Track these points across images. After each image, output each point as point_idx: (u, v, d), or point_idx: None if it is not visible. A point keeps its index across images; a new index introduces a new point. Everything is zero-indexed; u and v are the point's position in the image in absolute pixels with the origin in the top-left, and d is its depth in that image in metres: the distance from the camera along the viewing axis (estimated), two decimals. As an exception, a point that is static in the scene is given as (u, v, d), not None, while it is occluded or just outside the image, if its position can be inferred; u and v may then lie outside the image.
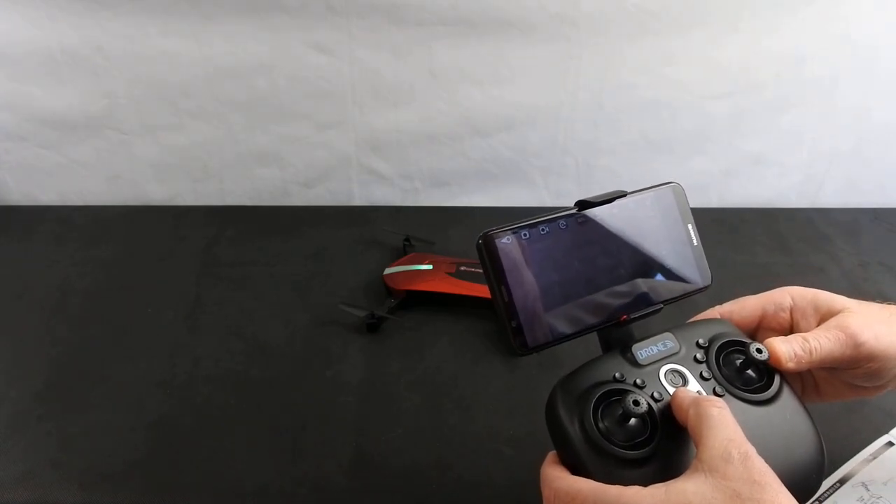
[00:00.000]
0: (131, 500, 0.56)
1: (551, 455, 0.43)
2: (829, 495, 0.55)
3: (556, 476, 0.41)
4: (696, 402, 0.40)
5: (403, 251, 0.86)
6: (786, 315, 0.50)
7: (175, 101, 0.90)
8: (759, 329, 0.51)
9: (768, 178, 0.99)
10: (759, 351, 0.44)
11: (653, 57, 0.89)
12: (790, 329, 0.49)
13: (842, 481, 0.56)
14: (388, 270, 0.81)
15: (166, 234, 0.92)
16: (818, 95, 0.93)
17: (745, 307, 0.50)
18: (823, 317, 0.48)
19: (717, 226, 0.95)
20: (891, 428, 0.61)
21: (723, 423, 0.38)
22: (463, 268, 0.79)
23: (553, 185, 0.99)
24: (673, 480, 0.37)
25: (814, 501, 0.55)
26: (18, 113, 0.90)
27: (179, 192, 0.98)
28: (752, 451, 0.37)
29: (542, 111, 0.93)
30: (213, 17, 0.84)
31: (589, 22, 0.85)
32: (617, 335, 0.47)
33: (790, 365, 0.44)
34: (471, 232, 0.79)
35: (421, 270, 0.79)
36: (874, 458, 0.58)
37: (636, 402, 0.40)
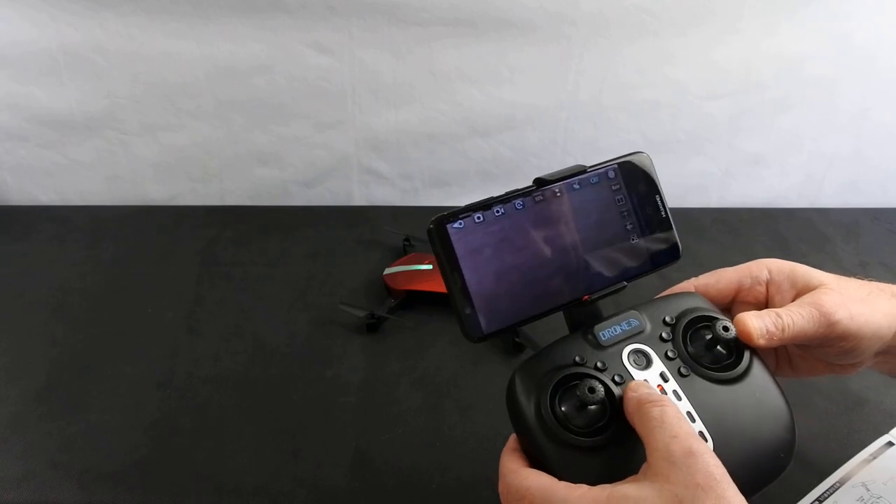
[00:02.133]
0: (131, 500, 0.56)
1: (512, 439, 0.42)
2: (829, 495, 0.55)
3: (510, 469, 0.40)
4: (639, 404, 0.39)
5: (403, 251, 0.86)
6: (762, 289, 0.48)
7: (175, 101, 0.90)
8: (735, 302, 0.49)
9: (768, 178, 1.00)
10: (725, 329, 0.43)
11: (653, 57, 0.89)
12: (766, 303, 0.48)
13: (842, 481, 0.56)
14: (388, 270, 0.81)
15: (166, 234, 0.92)
16: (818, 96, 0.93)
17: (721, 280, 0.49)
18: (800, 292, 0.46)
19: (717, 226, 0.95)
20: (891, 428, 0.61)
21: (665, 422, 0.37)
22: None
23: (553, 186, 0.99)
24: (618, 484, 0.37)
25: (814, 501, 0.55)
26: (18, 113, 0.90)
27: (179, 192, 0.98)
28: (697, 446, 0.36)
29: (542, 111, 0.93)
30: (213, 17, 0.84)
31: (589, 22, 0.85)
32: (582, 315, 0.45)
33: (761, 342, 0.43)
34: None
35: (421, 270, 0.79)
36: (874, 458, 0.58)
37: (591, 389, 0.39)
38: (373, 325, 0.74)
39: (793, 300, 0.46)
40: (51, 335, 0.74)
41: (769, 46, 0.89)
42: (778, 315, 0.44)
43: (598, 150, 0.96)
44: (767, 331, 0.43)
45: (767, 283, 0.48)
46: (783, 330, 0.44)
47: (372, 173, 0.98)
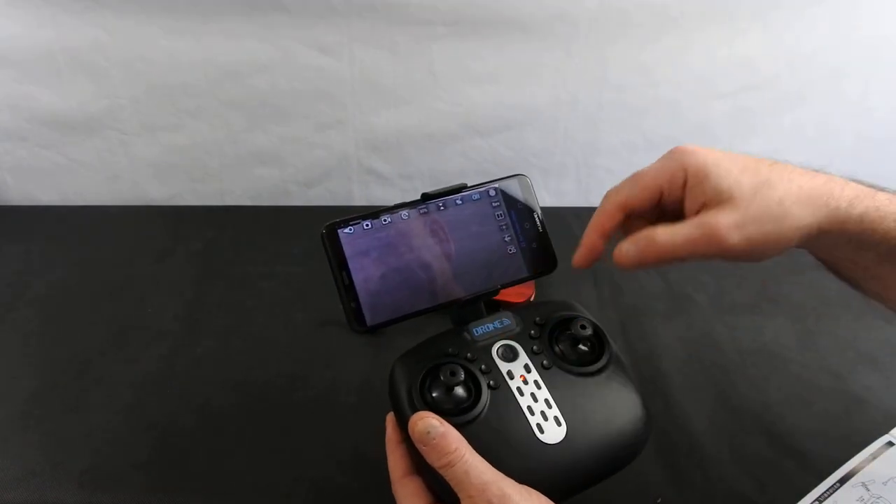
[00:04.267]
0: (131, 500, 0.56)
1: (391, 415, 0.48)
2: (829, 495, 0.55)
3: (391, 439, 0.46)
4: (422, 444, 0.42)
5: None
6: (680, 194, 0.45)
7: (175, 101, 0.90)
8: (660, 208, 0.47)
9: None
10: (583, 327, 0.48)
11: (653, 57, 0.89)
12: (682, 209, 0.45)
13: (842, 481, 0.56)
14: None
15: (166, 234, 0.92)
16: (819, 95, 0.93)
17: (644, 188, 0.46)
18: (707, 203, 0.43)
19: (717, 226, 0.95)
20: (891, 428, 0.61)
21: (462, 465, 0.40)
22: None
23: (553, 185, 0.99)
24: None
25: (814, 501, 0.55)
26: (18, 113, 0.90)
27: (179, 192, 0.98)
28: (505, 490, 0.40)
29: (542, 111, 0.93)
30: (214, 17, 0.84)
31: (589, 22, 0.85)
32: (466, 314, 0.50)
33: (628, 265, 0.43)
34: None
35: None
36: (874, 458, 0.58)
37: (452, 373, 0.44)
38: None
39: (698, 212, 0.43)
40: (51, 335, 0.74)
41: (770, 46, 0.89)
42: (653, 240, 0.43)
43: (597, 150, 0.96)
44: (635, 257, 0.43)
45: (684, 187, 0.45)
46: (658, 254, 0.43)
47: (372, 173, 0.98)
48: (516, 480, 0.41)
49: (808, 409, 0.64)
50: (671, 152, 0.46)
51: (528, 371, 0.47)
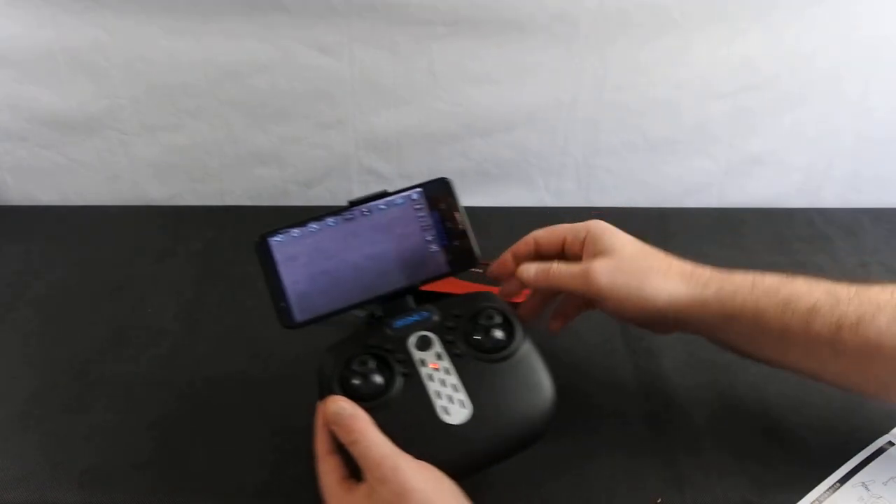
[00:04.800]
0: (131, 500, 0.56)
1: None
2: (829, 495, 0.55)
3: (318, 422, 0.50)
4: (333, 424, 0.47)
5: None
6: (579, 245, 0.58)
7: (175, 101, 0.90)
8: (563, 251, 0.60)
9: (768, 178, 0.99)
10: (490, 317, 0.53)
11: (653, 57, 0.89)
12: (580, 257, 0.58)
13: (842, 481, 0.56)
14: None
15: (166, 234, 0.92)
16: (819, 95, 0.93)
17: (553, 233, 0.60)
18: (597, 254, 0.56)
19: (718, 226, 0.95)
20: (891, 428, 0.61)
21: (364, 442, 0.46)
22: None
23: (553, 185, 0.99)
24: (357, 493, 0.45)
25: (814, 501, 0.55)
26: (18, 113, 0.90)
27: (179, 192, 0.98)
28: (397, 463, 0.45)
29: (542, 111, 0.93)
30: (214, 17, 0.84)
31: (589, 22, 0.85)
32: (393, 308, 0.55)
33: (526, 280, 0.58)
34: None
35: None
36: (874, 458, 0.58)
37: (362, 362, 0.50)
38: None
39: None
40: (51, 335, 0.74)
41: (770, 46, 0.88)
42: (549, 267, 0.57)
43: (597, 150, 0.96)
44: (532, 275, 0.57)
45: (584, 241, 0.58)
46: (548, 278, 0.57)
47: (372, 173, 0.98)
48: (420, 458, 0.46)
49: (808, 409, 0.64)
50: (585, 222, 0.59)
51: (440, 359, 0.51)
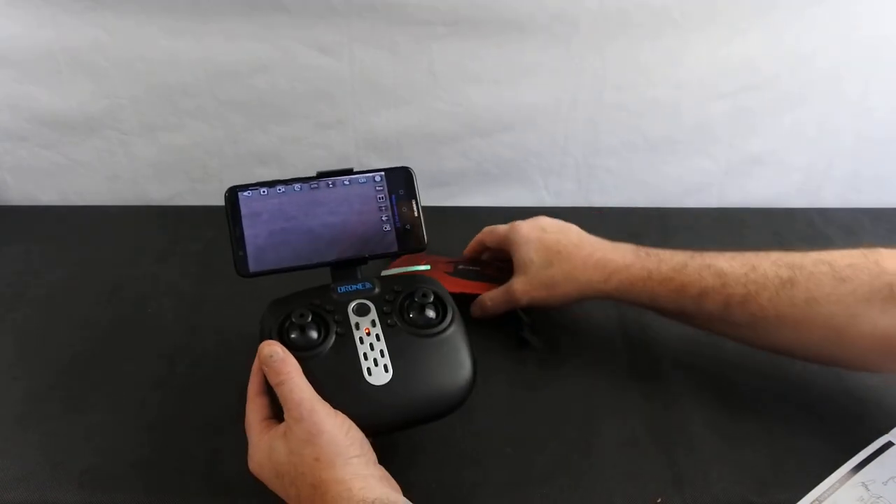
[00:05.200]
0: (131, 500, 0.56)
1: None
2: (829, 495, 0.55)
3: (254, 367, 0.56)
4: (265, 366, 0.52)
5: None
6: (509, 247, 0.70)
7: (175, 101, 0.90)
8: (502, 250, 0.72)
9: (768, 177, 0.99)
10: (424, 296, 0.57)
11: (653, 57, 0.89)
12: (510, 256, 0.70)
13: (842, 481, 0.56)
14: (384, 272, 0.80)
15: (166, 234, 0.92)
16: (819, 95, 0.93)
17: (495, 234, 0.73)
18: (516, 268, 0.69)
19: (717, 226, 0.95)
20: (891, 428, 0.61)
21: (289, 384, 0.50)
22: (461, 267, 0.78)
23: (553, 185, 0.99)
24: (275, 431, 0.51)
25: (814, 501, 0.55)
26: (18, 113, 0.90)
27: (179, 192, 0.98)
28: (314, 406, 0.49)
29: (542, 111, 0.93)
30: (214, 17, 0.84)
31: (589, 22, 0.85)
32: (344, 275, 0.59)
33: (479, 318, 0.72)
34: (471, 233, 0.79)
35: (419, 271, 0.79)
36: (874, 458, 0.58)
37: (301, 315, 0.54)
38: (372, 325, 0.75)
39: (511, 270, 0.70)
40: (51, 335, 0.74)
41: (770, 46, 0.88)
42: (485, 303, 0.71)
43: (597, 150, 0.96)
44: (478, 311, 0.72)
45: (513, 246, 0.69)
46: (486, 311, 0.71)
47: (372, 173, 0.98)
48: (338, 409, 0.50)
49: (807, 410, 0.64)
50: (512, 227, 0.71)
51: (374, 326, 0.56)
